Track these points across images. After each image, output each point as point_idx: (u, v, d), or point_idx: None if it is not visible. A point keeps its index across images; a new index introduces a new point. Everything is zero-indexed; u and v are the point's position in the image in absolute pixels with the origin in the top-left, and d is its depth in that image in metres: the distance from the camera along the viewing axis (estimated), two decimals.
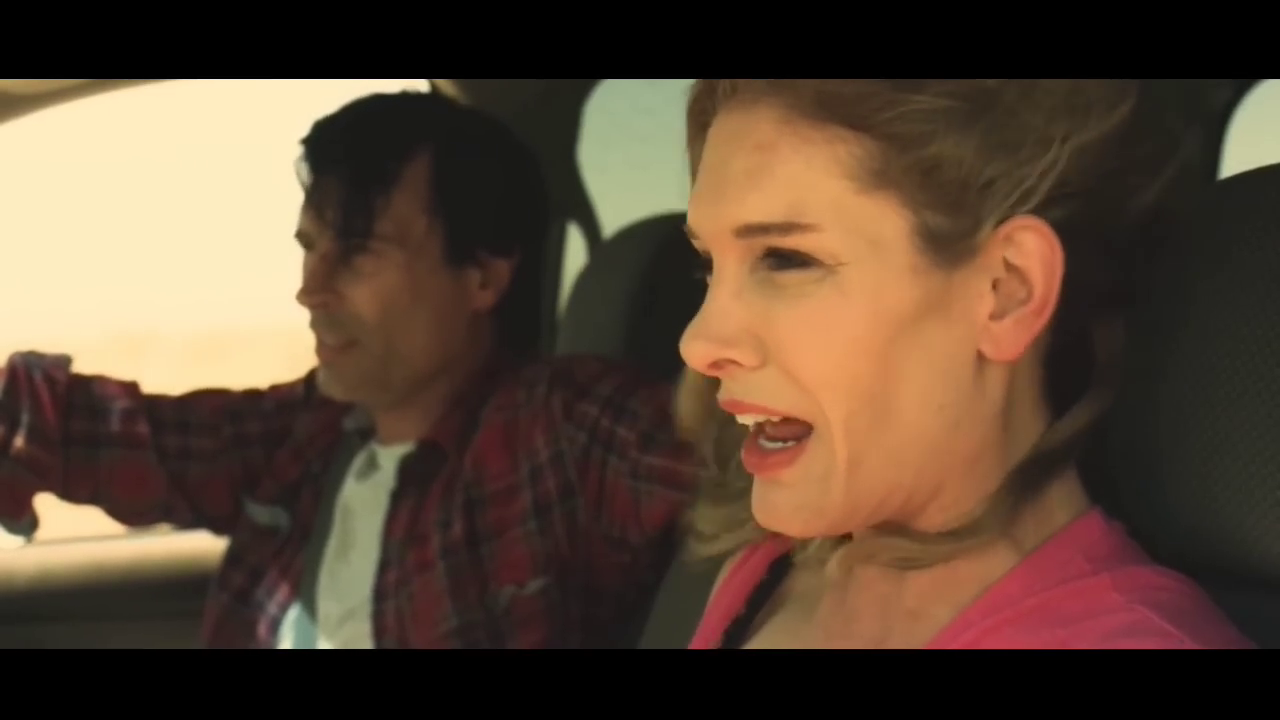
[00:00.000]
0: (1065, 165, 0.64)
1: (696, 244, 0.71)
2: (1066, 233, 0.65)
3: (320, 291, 1.30)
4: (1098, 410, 0.69)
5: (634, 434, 1.22)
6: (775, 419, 0.68)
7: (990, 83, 0.64)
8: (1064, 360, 0.69)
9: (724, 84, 0.69)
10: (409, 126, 1.36)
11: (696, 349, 0.68)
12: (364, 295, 1.30)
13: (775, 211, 0.65)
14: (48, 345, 1.45)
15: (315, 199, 1.31)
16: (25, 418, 1.38)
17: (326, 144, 1.33)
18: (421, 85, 1.75)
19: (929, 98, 0.63)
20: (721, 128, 0.69)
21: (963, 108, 0.64)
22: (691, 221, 0.70)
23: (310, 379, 1.52)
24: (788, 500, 0.69)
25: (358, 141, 1.32)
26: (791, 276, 0.66)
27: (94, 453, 1.42)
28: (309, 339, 1.34)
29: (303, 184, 1.34)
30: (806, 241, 0.65)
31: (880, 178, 0.64)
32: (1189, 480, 0.70)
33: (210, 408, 1.49)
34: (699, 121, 0.71)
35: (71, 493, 1.44)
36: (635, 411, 1.23)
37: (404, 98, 1.41)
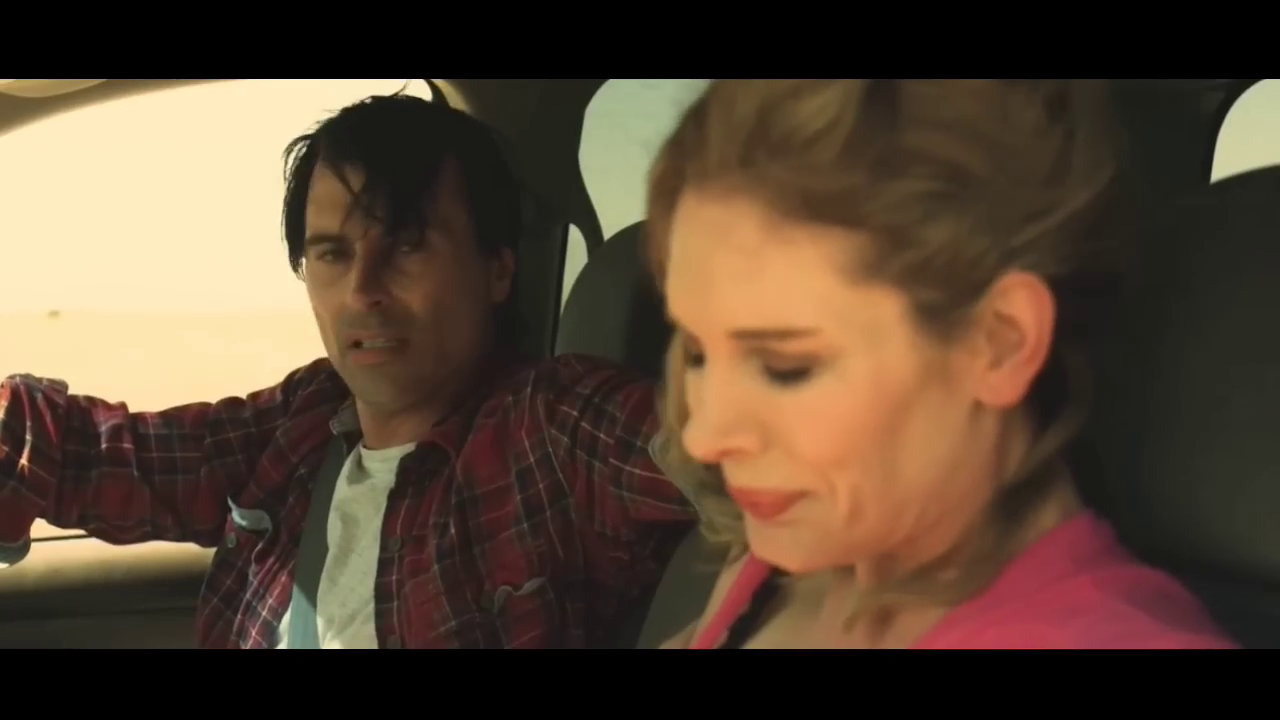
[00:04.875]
0: (1055, 233, 0.64)
1: (681, 327, 0.70)
2: (1052, 282, 0.65)
3: (378, 290, 1.29)
4: (1068, 434, 0.69)
5: (613, 439, 1.22)
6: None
7: (975, 166, 0.63)
8: (1042, 375, 0.69)
9: (693, 164, 0.66)
10: (436, 124, 1.38)
11: (701, 442, 0.68)
12: (418, 291, 1.31)
13: (768, 317, 0.65)
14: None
15: (363, 198, 1.29)
16: (29, 438, 1.39)
17: (370, 144, 1.31)
18: (421, 85, 1.76)
19: (914, 182, 0.62)
20: (697, 217, 0.66)
21: (947, 190, 0.63)
22: (676, 313, 0.69)
23: (288, 385, 1.54)
24: (787, 542, 0.69)
25: (402, 140, 1.32)
26: (792, 374, 0.65)
27: (85, 473, 1.44)
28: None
29: (340, 185, 1.30)
30: (803, 344, 0.65)
31: (871, 269, 0.63)
32: (1173, 478, 0.71)
33: (192, 420, 1.50)
34: (665, 200, 0.69)
35: (62, 514, 1.45)
36: (613, 415, 1.23)
37: (412, 99, 1.42)
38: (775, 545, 0.70)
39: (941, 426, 0.67)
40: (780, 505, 0.68)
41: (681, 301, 0.68)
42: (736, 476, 0.69)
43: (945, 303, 0.64)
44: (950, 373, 0.66)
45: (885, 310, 0.64)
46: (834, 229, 0.63)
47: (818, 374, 0.65)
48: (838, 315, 0.64)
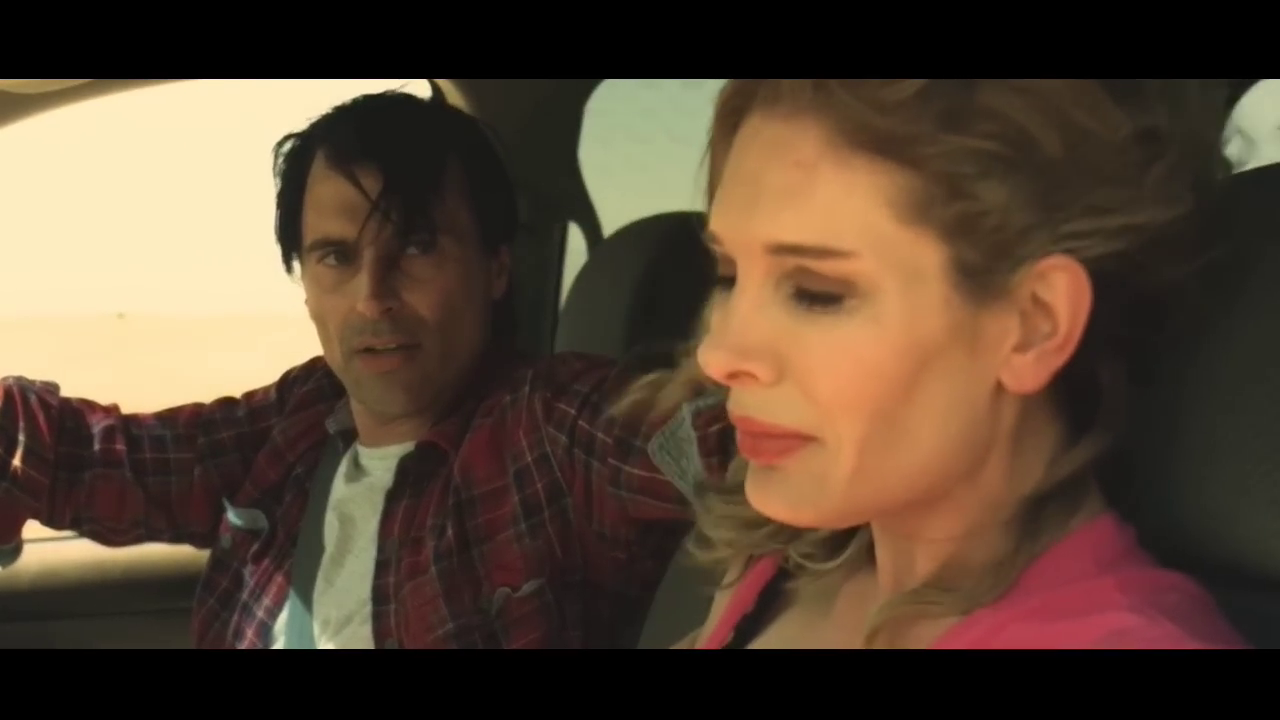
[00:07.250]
0: (1110, 238, 0.64)
1: (718, 249, 0.69)
2: (1096, 280, 0.65)
3: (390, 296, 1.29)
4: (1094, 451, 0.68)
5: (611, 439, 1.21)
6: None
7: (1043, 138, 0.63)
8: (1074, 378, 0.69)
9: (766, 88, 0.66)
10: (436, 122, 1.38)
11: (715, 358, 0.68)
12: (428, 295, 1.30)
13: (811, 233, 0.64)
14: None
15: (380, 203, 1.28)
16: (22, 439, 1.39)
17: (380, 146, 1.30)
18: (422, 85, 1.76)
19: (978, 139, 0.63)
20: (758, 135, 0.67)
21: (1010, 155, 0.63)
22: (717, 228, 0.69)
23: (283, 384, 1.53)
24: (782, 487, 0.69)
25: (409, 141, 1.32)
26: (823, 300, 0.65)
27: (78, 475, 1.43)
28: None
29: (350, 188, 1.29)
30: (841, 267, 0.64)
31: (921, 211, 0.64)
32: (1186, 480, 0.71)
33: (186, 420, 1.50)
34: (729, 120, 0.70)
35: (55, 516, 1.44)
36: (612, 414, 1.23)
37: (407, 95, 1.41)
38: (770, 491, 0.69)
39: (960, 398, 0.66)
40: (782, 448, 0.67)
41: (726, 215, 0.68)
42: (741, 404, 0.68)
43: (985, 266, 0.64)
44: (978, 342, 0.65)
45: (926, 257, 0.64)
46: (892, 164, 0.63)
47: (849, 308, 0.65)
48: (879, 247, 0.64)
